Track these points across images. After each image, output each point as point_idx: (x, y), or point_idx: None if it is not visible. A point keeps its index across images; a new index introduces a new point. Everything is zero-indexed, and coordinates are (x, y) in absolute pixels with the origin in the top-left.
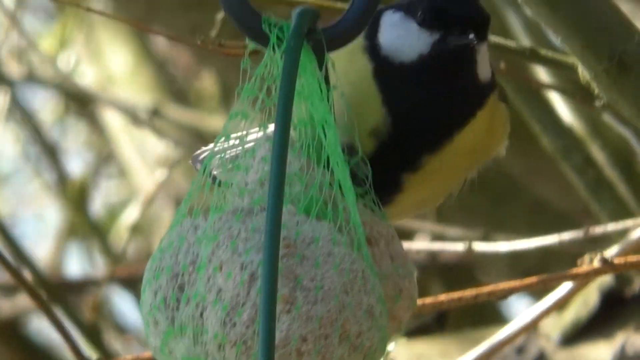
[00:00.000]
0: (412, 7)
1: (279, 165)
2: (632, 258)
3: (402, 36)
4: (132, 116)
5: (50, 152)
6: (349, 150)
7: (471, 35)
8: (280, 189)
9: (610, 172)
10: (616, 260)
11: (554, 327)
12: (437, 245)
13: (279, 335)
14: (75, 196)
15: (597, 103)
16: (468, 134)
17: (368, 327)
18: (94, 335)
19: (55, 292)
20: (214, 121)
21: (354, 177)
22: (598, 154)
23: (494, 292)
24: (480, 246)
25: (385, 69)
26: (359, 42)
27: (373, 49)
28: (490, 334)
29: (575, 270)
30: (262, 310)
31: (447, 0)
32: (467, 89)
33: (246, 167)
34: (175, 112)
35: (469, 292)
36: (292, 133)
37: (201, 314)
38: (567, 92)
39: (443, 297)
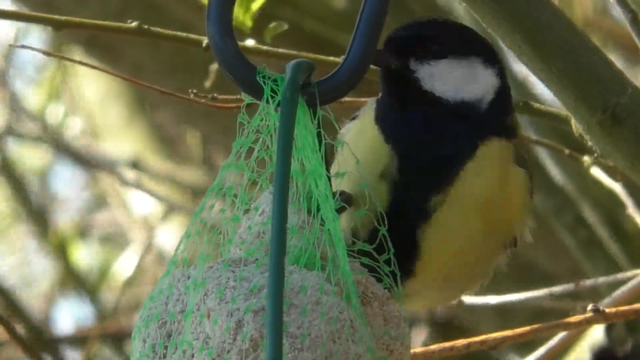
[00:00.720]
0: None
1: (280, 216)
2: (624, 307)
3: None
4: (117, 173)
5: (38, 210)
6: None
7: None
8: (282, 239)
9: (602, 232)
10: (608, 310)
11: None
12: None
13: None
14: (63, 248)
15: (586, 158)
16: (472, 177)
17: None
18: None
19: (48, 345)
20: (198, 175)
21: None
22: (589, 214)
23: (485, 342)
24: (470, 299)
25: (381, 115)
26: (371, 104)
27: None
28: None
29: (567, 320)
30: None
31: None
32: (430, 109)
33: (246, 222)
34: (160, 166)
35: (460, 342)
36: None
37: None
38: (555, 148)
39: (434, 347)
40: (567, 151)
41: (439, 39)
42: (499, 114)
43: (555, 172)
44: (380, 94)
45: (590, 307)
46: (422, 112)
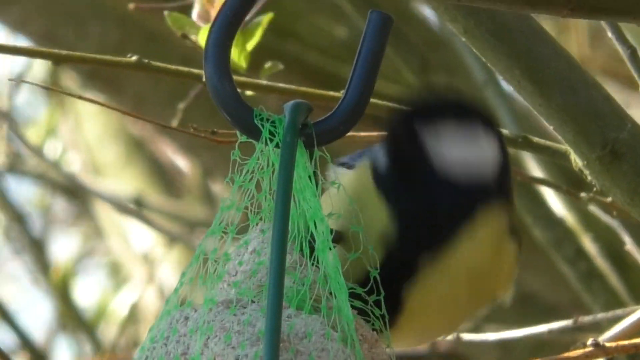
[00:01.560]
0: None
1: (279, 259)
2: (624, 342)
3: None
4: (118, 206)
5: (36, 244)
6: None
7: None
8: (280, 285)
9: (602, 264)
10: (608, 344)
11: None
12: None
13: None
14: (61, 285)
15: (584, 195)
16: (467, 246)
17: None
18: None
19: None
20: (199, 211)
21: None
22: (590, 246)
23: None
24: (468, 336)
25: (380, 175)
26: (365, 163)
27: (377, 167)
28: None
29: (567, 354)
30: None
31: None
32: (435, 177)
33: (235, 258)
34: (160, 202)
35: None
36: None
37: None
38: (553, 185)
39: None
40: (564, 188)
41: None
42: (500, 179)
43: (555, 204)
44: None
45: (590, 341)
46: (433, 178)
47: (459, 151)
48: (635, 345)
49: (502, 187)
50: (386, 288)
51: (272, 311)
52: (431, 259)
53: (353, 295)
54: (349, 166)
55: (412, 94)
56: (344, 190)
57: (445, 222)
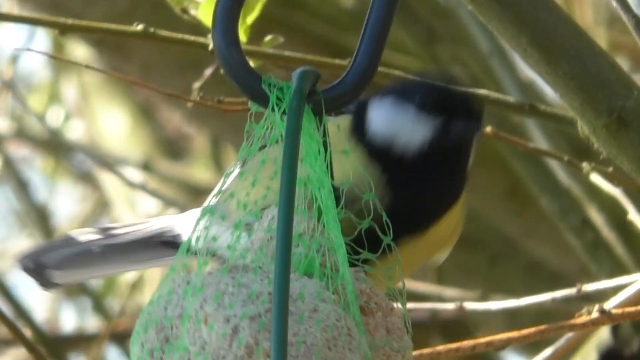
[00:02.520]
0: (408, 91)
1: (286, 225)
2: (630, 308)
3: (397, 121)
4: (123, 176)
5: (40, 212)
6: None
7: (474, 123)
8: (287, 247)
9: (608, 234)
10: (614, 311)
11: None
12: (428, 305)
13: None
14: None
15: (585, 165)
16: (442, 224)
17: None
18: None
19: (54, 347)
20: (205, 176)
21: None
22: (595, 216)
23: (491, 343)
24: (472, 305)
25: (382, 154)
26: (344, 132)
27: (365, 132)
28: None
29: (573, 321)
30: None
31: (449, 86)
32: (458, 178)
33: (242, 225)
34: (167, 168)
35: (466, 343)
36: None
37: None
38: (554, 155)
39: (441, 348)
40: (565, 158)
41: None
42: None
43: (561, 174)
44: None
45: (596, 308)
46: (445, 183)
47: (444, 141)
48: None
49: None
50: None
51: (280, 274)
52: (412, 237)
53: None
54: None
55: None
56: (355, 158)
57: (429, 214)
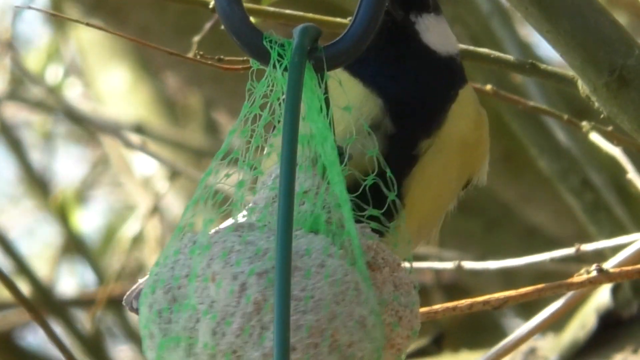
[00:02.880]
0: None
1: (288, 179)
2: (628, 267)
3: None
4: (120, 136)
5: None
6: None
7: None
8: (289, 203)
9: (608, 195)
10: (612, 270)
11: (552, 349)
12: (426, 264)
13: (268, 344)
14: (65, 213)
15: (585, 124)
16: (456, 120)
17: (359, 337)
18: (95, 347)
19: (56, 305)
20: (202, 138)
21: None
22: (595, 177)
23: (488, 302)
24: (469, 265)
25: (364, 67)
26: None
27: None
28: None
29: (570, 280)
30: (277, 322)
31: None
32: (425, 60)
33: (245, 183)
34: (164, 129)
35: (463, 302)
36: None
37: (194, 326)
38: (554, 114)
39: (438, 307)
40: (565, 117)
41: None
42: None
43: (560, 135)
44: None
45: (593, 267)
46: (415, 63)
47: (440, 35)
48: (639, 271)
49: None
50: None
51: (282, 230)
52: (429, 143)
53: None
54: None
55: None
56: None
57: (439, 105)
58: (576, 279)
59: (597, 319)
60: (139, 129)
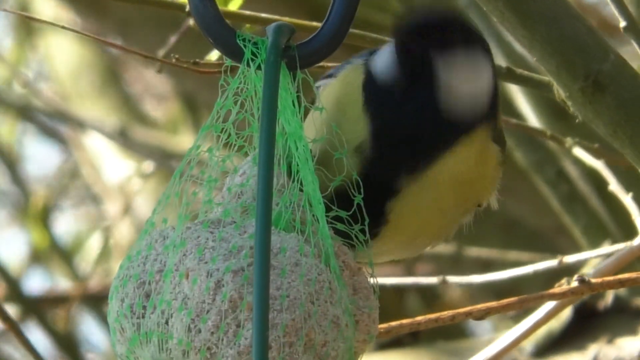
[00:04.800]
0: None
1: (266, 179)
2: (609, 278)
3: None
4: (102, 132)
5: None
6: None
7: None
8: (268, 202)
9: (583, 186)
10: (594, 280)
11: (527, 339)
12: (411, 280)
13: (243, 342)
14: (38, 216)
15: (568, 139)
16: (450, 160)
17: (333, 337)
18: (69, 346)
19: (28, 303)
20: (180, 140)
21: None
22: (571, 168)
23: (471, 313)
24: (453, 279)
25: (371, 85)
26: (355, 64)
27: (368, 71)
28: (463, 347)
29: (552, 291)
30: (255, 320)
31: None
32: (439, 106)
33: (217, 180)
34: (141, 133)
35: (445, 314)
36: None
37: (167, 321)
38: (537, 132)
39: (420, 318)
40: (548, 133)
41: (457, 29)
42: (491, 104)
43: (536, 125)
44: (377, 65)
45: (576, 277)
46: (426, 98)
47: (462, 77)
48: (621, 281)
49: (492, 103)
50: (368, 200)
51: (261, 227)
52: (413, 175)
53: (337, 218)
54: (330, 74)
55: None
56: (326, 113)
57: (429, 142)
58: (558, 289)
59: (572, 310)
60: (123, 132)
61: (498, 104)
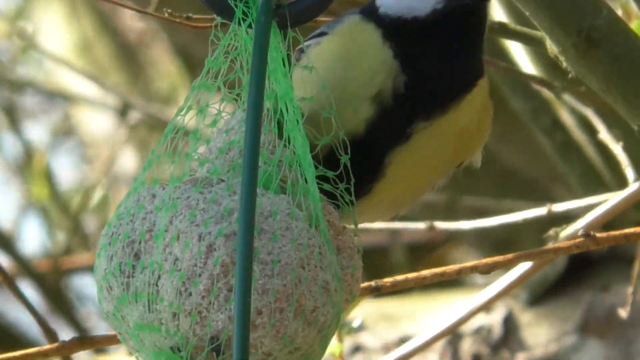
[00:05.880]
0: None
1: (253, 140)
2: (615, 232)
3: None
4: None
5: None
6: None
7: None
8: (254, 163)
9: (579, 135)
10: (598, 235)
11: (522, 286)
12: (398, 225)
13: (234, 307)
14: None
15: (557, 84)
16: (460, 111)
17: (323, 302)
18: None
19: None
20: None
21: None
22: (566, 117)
23: (476, 267)
24: (443, 225)
25: (397, 31)
26: (354, 19)
27: (377, 17)
28: (457, 295)
29: (557, 245)
30: (238, 291)
31: None
32: (476, 50)
33: (208, 137)
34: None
35: (451, 268)
36: None
37: (156, 282)
38: (525, 76)
39: (426, 272)
40: (538, 77)
41: None
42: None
43: (531, 72)
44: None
45: (580, 232)
46: (460, 50)
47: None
48: (626, 235)
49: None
50: (368, 155)
51: (247, 191)
52: (425, 126)
53: (323, 178)
54: (320, 33)
55: None
56: (316, 73)
57: (451, 91)
58: (563, 243)
59: (566, 258)
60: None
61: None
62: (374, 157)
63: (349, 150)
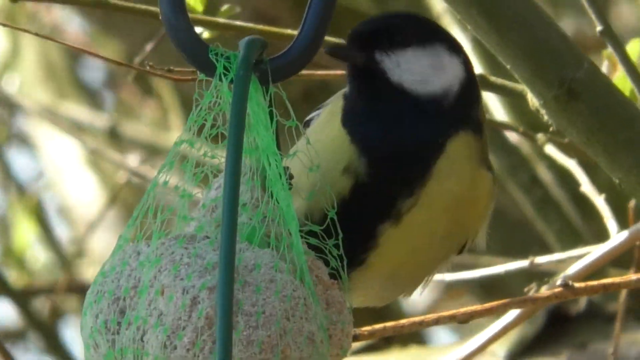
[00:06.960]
0: None
1: (232, 192)
2: (592, 282)
3: None
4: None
5: None
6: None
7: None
8: (233, 215)
9: (557, 192)
10: (577, 285)
11: (501, 344)
12: None
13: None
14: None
15: (540, 136)
16: (444, 177)
17: (309, 353)
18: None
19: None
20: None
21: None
22: (544, 174)
23: (454, 316)
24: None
25: (345, 109)
26: (339, 94)
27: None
28: (436, 352)
29: (537, 295)
30: (219, 333)
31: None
32: (398, 103)
33: (191, 195)
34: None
35: (429, 317)
36: None
37: (142, 338)
38: (509, 127)
39: (404, 321)
40: (520, 129)
41: (402, 28)
42: (466, 107)
43: (510, 132)
44: (347, 87)
45: (559, 282)
46: (390, 106)
47: (421, 73)
48: (605, 286)
49: (471, 117)
50: (360, 226)
51: (226, 242)
52: (412, 202)
53: (313, 234)
54: (322, 106)
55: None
56: (308, 141)
57: (417, 156)
58: (541, 293)
59: (545, 315)
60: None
61: (481, 120)
62: (364, 225)
63: (335, 206)
